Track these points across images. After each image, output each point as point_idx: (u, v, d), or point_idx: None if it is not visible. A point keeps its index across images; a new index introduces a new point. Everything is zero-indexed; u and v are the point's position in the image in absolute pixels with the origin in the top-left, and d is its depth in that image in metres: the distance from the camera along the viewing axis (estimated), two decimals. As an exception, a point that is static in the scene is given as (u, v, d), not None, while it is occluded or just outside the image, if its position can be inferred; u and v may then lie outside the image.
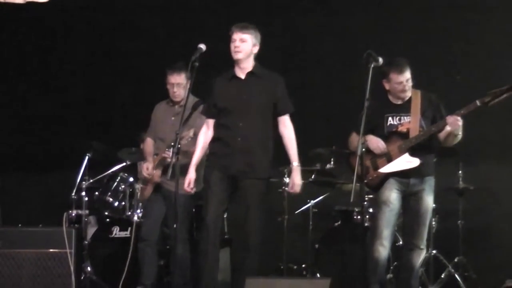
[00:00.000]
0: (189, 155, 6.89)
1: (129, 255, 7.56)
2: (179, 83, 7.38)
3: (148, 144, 7.57)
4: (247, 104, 6.60)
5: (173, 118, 7.41)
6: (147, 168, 7.39)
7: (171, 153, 6.72)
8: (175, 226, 6.68)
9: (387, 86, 6.68)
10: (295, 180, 6.67)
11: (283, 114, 6.73)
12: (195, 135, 6.96)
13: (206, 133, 6.76)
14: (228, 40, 6.64)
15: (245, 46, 6.58)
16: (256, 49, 6.66)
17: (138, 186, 7.85)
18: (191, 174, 6.68)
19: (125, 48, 9.14)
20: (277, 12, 8.97)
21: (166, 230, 7.86)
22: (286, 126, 6.71)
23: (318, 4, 8.90)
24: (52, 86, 9.45)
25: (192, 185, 6.67)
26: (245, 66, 6.65)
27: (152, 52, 9.03)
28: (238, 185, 6.60)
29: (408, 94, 6.66)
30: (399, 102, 6.70)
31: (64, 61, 9.44)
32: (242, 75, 6.66)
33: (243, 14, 8.54)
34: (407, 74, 6.61)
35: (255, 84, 6.64)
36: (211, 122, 6.74)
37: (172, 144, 6.56)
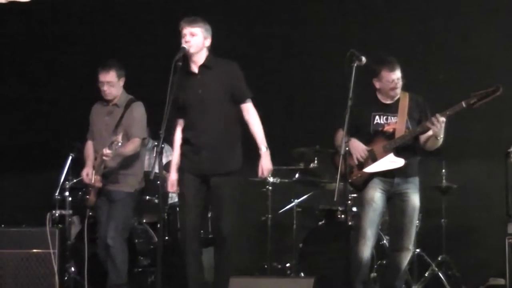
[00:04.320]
0: (121, 157, 7.12)
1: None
2: (109, 81, 7.29)
3: (88, 147, 7.46)
4: (204, 100, 6.50)
5: (106, 117, 7.37)
6: (87, 174, 7.25)
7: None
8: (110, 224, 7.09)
9: (377, 85, 6.67)
10: (265, 165, 6.53)
11: (243, 101, 6.59)
12: (126, 137, 7.03)
13: (179, 133, 6.66)
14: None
15: (196, 39, 6.49)
16: (208, 42, 6.57)
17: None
18: (173, 176, 6.61)
19: (115, 49, 9.06)
20: (262, 12, 8.97)
21: (145, 226, 7.91)
22: (250, 113, 6.58)
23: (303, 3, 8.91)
24: (35, 86, 9.41)
25: (175, 188, 6.60)
26: (197, 59, 6.56)
27: (145, 54, 8.97)
28: (209, 183, 6.54)
29: (398, 92, 6.66)
30: (388, 101, 6.69)
31: (50, 61, 9.39)
32: (195, 68, 6.58)
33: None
34: (398, 73, 6.61)
35: (209, 77, 6.54)
36: (181, 121, 6.65)
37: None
